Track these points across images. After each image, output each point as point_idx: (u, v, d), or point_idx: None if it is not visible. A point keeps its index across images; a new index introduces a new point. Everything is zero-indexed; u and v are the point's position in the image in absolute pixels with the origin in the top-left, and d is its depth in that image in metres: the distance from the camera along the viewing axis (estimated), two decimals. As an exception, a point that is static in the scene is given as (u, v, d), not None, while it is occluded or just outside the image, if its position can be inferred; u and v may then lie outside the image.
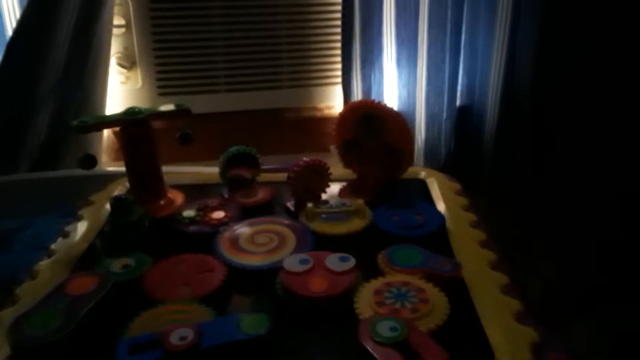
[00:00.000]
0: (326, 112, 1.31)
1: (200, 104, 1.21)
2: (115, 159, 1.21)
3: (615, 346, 0.99)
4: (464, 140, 1.31)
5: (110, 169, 1.09)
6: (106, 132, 1.16)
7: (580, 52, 1.16)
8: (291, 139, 1.30)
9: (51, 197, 0.87)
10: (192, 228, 0.59)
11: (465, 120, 1.31)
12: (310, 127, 1.29)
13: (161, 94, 1.19)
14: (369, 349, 0.40)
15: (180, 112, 0.64)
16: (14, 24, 1.03)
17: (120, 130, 0.63)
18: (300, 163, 0.64)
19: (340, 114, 0.69)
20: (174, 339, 0.41)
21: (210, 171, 0.89)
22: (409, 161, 0.69)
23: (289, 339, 0.44)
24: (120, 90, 1.18)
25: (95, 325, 0.45)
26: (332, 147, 1.31)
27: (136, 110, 0.63)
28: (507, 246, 0.62)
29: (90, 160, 0.59)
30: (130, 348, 0.41)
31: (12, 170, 1.04)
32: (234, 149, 0.68)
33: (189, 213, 0.60)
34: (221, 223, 0.60)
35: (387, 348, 0.40)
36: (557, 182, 1.23)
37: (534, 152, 1.24)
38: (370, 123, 0.66)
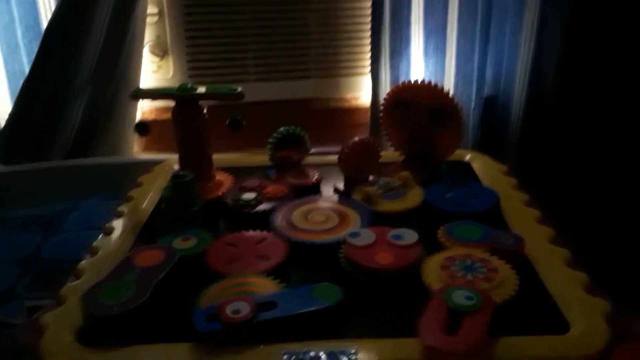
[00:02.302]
0: (353, 102, 1.31)
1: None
2: (145, 149, 1.21)
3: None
4: (490, 130, 1.31)
5: (146, 156, 1.09)
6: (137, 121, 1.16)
7: (608, 44, 1.16)
8: (318, 129, 1.29)
9: (92, 183, 0.87)
10: (248, 209, 0.59)
11: (491, 110, 1.31)
12: (338, 117, 1.29)
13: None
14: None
15: (233, 95, 0.64)
16: (49, 16, 1.03)
17: (173, 108, 0.63)
18: (350, 142, 0.64)
19: (413, 81, 0.67)
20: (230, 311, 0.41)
21: (252, 155, 0.90)
22: (460, 117, 0.67)
23: (358, 310, 0.44)
24: (152, 79, 1.18)
25: (165, 297, 0.45)
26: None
27: (189, 87, 0.63)
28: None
29: (145, 127, 0.60)
30: (207, 316, 0.41)
31: (46, 158, 1.05)
32: (282, 129, 0.68)
33: (249, 196, 0.59)
34: (277, 198, 0.60)
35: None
36: (580, 173, 1.22)
37: (559, 143, 1.24)
38: (433, 113, 0.66)
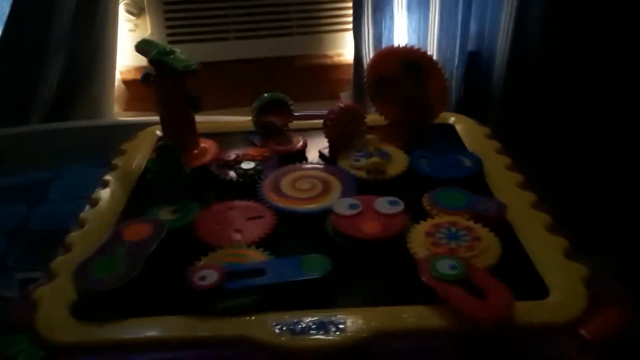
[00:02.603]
0: (336, 59, 1.29)
1: (209, 52, 1.20)
2: (127, 109, 1.20)
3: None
4: (473, 85, 1.31)
5: (128, 119, 1.07)
6: (117, 82, 1.14)
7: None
8: (301, 87, 1.28)
9: (74, 148, 0.86)
10: (231, 174, 0.59)
11: (474, 65, 1.30)
12: (321, 74, 1.28)
13: (171, 42, 1.16)
14: (432, 285, 0.42)
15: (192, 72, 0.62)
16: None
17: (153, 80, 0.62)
18: (336, 109, 0.63)
19: (379, 53, 0.68)
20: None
21: (235, 119, 0.89)
22: (439, 111, 0.68)
23: (346, 279, 0.46)
24: (130, 39, 1.15)
25: (156, 269, 0.46)
26: (342, 94, 1.32)
27: (167, 49, 0.61)
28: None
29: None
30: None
31: (26, 120, 1.03)
32: (266, 96, 0.68)
33: (248, 164, 0.59)
34: (262, 160, 0.60)
35: (453, 285, 0.42)
36: (563, 129, 1.24)
37: (542, 99, 1.24)
38: (409, 71, 0.66)
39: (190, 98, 0.63)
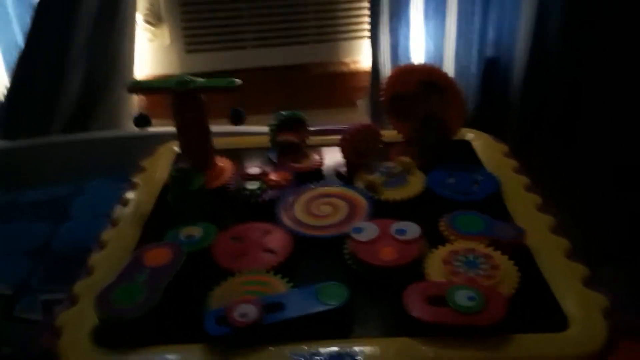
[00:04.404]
0: (353, 66, 1.29)
1: (227, 60, 1.20)
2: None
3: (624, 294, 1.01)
4: (491, 92, 1.30)
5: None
6: (135, 92, 1.16)
7: (613, 3, 1.13)
8: (318, 94, 1.29)
9: (94, 159, 0.88)
10: (253, 199, 0.60)
11: (492, 73, 1.29)
12: (337, 81, 1.29)
13: (189, 51, 1.17)
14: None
15: (232, 89, 0.63)
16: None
17: (172, 99, 0.62)
18: (352, 129, 0.64)
19: (398, 70, 0.67)
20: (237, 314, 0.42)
21: (251, 138, 0.91)
22: (456, 130, 0.68)
23: (362, 307, 0.46)
24: (149, 48, 1.16)
25: (175, 295, 0.46)
26: (359, 102, 1.32)
27: (187, 79, 0.62)
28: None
29: (144, 120, 0.60)
30: (217, 319, 0.42)
31: (46, 130, 1.04)
32: (284, 114, 0.68)
33: (253, 185, 0.60)
34: (281, 186, 0.60)
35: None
36: (583, 136, 1.22)
37: (560, 106, 1.23)
38: (428, 90, 0.65)
39: (234, 112, 0.64)
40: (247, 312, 0.42)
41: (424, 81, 0.65)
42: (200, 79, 0.62)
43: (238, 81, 0.62)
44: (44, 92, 1.03)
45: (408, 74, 0.67)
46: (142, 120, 0.60)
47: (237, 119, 0.63)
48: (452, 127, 0.67)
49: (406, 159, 0.63)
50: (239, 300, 0.44)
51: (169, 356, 0.42)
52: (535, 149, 1.26)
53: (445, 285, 0.45)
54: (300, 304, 0.44)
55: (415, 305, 0.42)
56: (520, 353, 0.41)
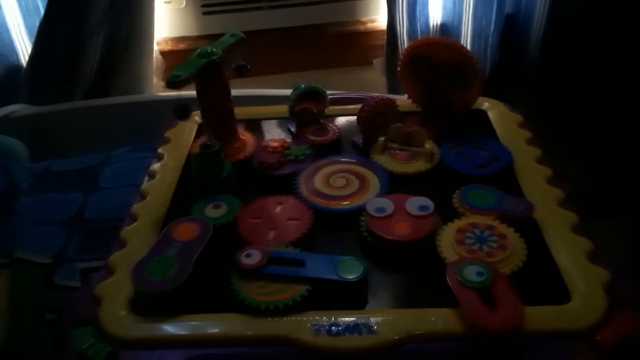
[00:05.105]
0: (369, 25, 1.29)
1: (243, 21, 1.21)
2: (165, 78, 1.22)
3: (635, 243, 1.02)
4: (509, 50, 1.29)
5: (168, 94, 1.10)
6: (154, 53, 1.17)
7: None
8: (335, 54, 1.29)
9: (119, 125, 0.91)
10: (274, 172, 0.63)
11: (511, 30, 1.28)
12: (354, 41, 1.28)
13: (205, 13, 1.18)
14: (454, 291, 0.45)
15: (239, 42, 0.65)
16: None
17: (196, 82, 0.63)
18: (369, 103, 0.65)
19: (399, 66, 0.69)
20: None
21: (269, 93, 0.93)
22: (479, 80, 0.67)
23: (379, 279, 0.49)
24: (165, 10, 1.17)
25: (204, 269, 0.50)
26: (375, 61, 1.32)
27: (209, 50, 0.63)
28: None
29: (185, 110, 0.60)
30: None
31: (68, 96, 1.07)
32: (303, 86, 0.70)
33: (296, 150, 0.64)
34: (299, 160, 0.63)
35: (470, 291, 0.45)
36: (603, 97, 1.21)
37: (579, 65, 1.22)
38: (427, 60, 0.66)
39: (237, 66, 0.66)
40: (252, 254, 0.49)
41: (452, 66, 0.65)
42: (214, 47, 0.63)
43: (240, 34, 0.65)
44: (65, 58, 1.05)
45: (441, 45, 0.66)
46: (181, 111, 0.60)
47: (240, 72, 0.66)
48: (462, 105, 0.68)
49: (419, 129, 0.64)
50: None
51: (201, 323, 0.46)
52: (553, 108, 1.25)
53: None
54: (319, 269, 0.48)
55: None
56: (522, 325, 0.44)
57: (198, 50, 0.62)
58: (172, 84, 0.57)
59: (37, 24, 1.04)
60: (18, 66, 1.10)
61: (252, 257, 0.49)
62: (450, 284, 0.46)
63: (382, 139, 0.65)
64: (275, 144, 0.65)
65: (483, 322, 0.43)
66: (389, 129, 0.65)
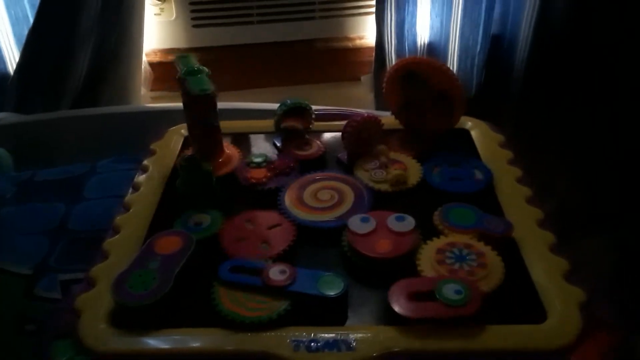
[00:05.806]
0: (358, 42, 1.30)
1: (233, 35, 1.22)
2: (153, 89, 1.23)
3: (619, 261, 1.04)
4: (494, 70, 1.31)
5: (154, 105, 1.10)
6: (143, 64, 1.17)
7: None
8: (323, 69, 1.30)
9: (105, 136, 0.91)
10: (259, 187, 0.63)
11: (496, 49, 1.30)
12: (342, 57, 1.30)
13: (195, 26, 1.19)
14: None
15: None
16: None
17: (185, 100, 0.64)
18: (354, 120, 0.66)
19: (386, 78, 0.70)
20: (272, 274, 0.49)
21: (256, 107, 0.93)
22: (462, 107, 0.69)
23: (359, 296, 0.50)
24: (155, 22, 1.17)
25: (185, 280, 0.50)
26: (363, 77, 1.33)
27: (196, 69, 0.64)
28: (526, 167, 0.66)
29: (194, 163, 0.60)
30: (232, 268, 0.49)
31: (56, 106, 1.07)
32: (289, 102, 0.70)
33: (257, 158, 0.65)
34: (284, 174, 0.64)
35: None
36: (586, 118, 1.23)
37: (563, 85, 1.24)
38: (415, 78, 0.67)
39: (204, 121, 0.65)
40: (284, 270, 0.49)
41: (441, 92, 0.66)
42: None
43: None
44: (53, 67, 1.05)
45: (429, 67, 0.67)
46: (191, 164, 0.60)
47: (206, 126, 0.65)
48: (454, 108, 0.68)
49: (383, 147, 0.65)
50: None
51: (181, 338, 0.46)
52: (537, 127, 1.27)
53: (428, 281, 0.48)
54: (301, 284, 0.48)
55: (399, 302, 0.46)
56: (498, 343, 0.45)
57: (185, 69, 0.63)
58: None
59: (26, 32, 1.04)
60: (5, 74, 1.10)
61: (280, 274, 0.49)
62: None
63: (363, 160, 0.65)
64: (259, 160, 0.66)
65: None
66: (373, 151, 0.66)
